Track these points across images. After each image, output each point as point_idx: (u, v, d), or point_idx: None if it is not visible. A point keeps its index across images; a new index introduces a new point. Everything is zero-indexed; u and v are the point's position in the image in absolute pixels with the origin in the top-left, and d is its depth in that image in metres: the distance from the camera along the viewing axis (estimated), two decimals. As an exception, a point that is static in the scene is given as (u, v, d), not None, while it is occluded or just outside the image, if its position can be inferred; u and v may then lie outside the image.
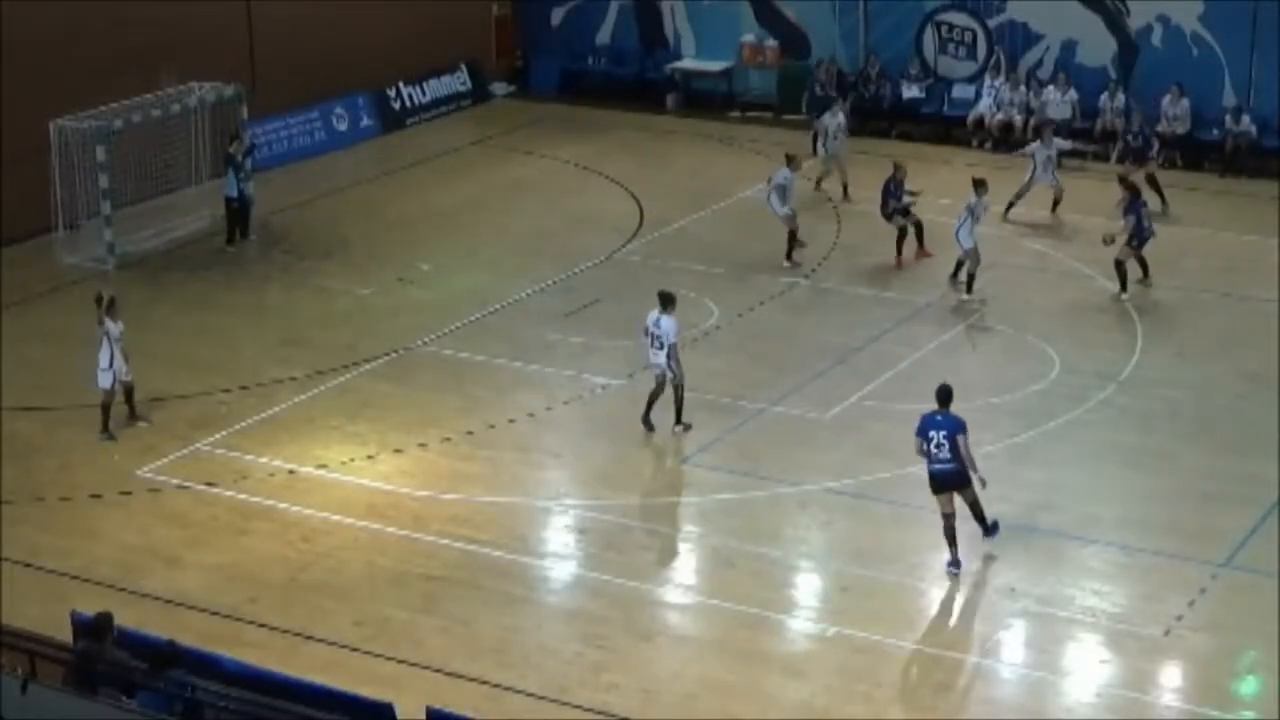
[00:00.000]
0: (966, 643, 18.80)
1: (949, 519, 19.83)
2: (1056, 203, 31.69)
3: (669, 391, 23.19)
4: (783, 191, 29.21)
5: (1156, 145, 32.72)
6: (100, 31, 31.79)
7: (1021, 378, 24.89)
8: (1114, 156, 33.78)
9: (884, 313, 27.38)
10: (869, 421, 23.74)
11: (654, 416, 23.30)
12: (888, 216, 29.49)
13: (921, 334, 26.61)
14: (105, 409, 23.57)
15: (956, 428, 19.65)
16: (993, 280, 28.63)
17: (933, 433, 19.69)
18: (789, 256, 29.18)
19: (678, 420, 23.34)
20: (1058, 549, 20.59)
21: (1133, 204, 28.00)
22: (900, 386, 24.73)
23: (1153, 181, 31.68)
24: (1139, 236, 27.78)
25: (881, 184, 29.52)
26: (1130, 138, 33.10)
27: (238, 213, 30.90)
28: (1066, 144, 32.32)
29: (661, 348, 22.93)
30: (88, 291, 28.81)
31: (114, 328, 23.52)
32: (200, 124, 31.98)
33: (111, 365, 23.46)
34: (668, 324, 22.94)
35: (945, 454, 19.64)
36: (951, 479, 19.74)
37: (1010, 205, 31.22)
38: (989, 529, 20.19)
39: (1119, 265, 27.73)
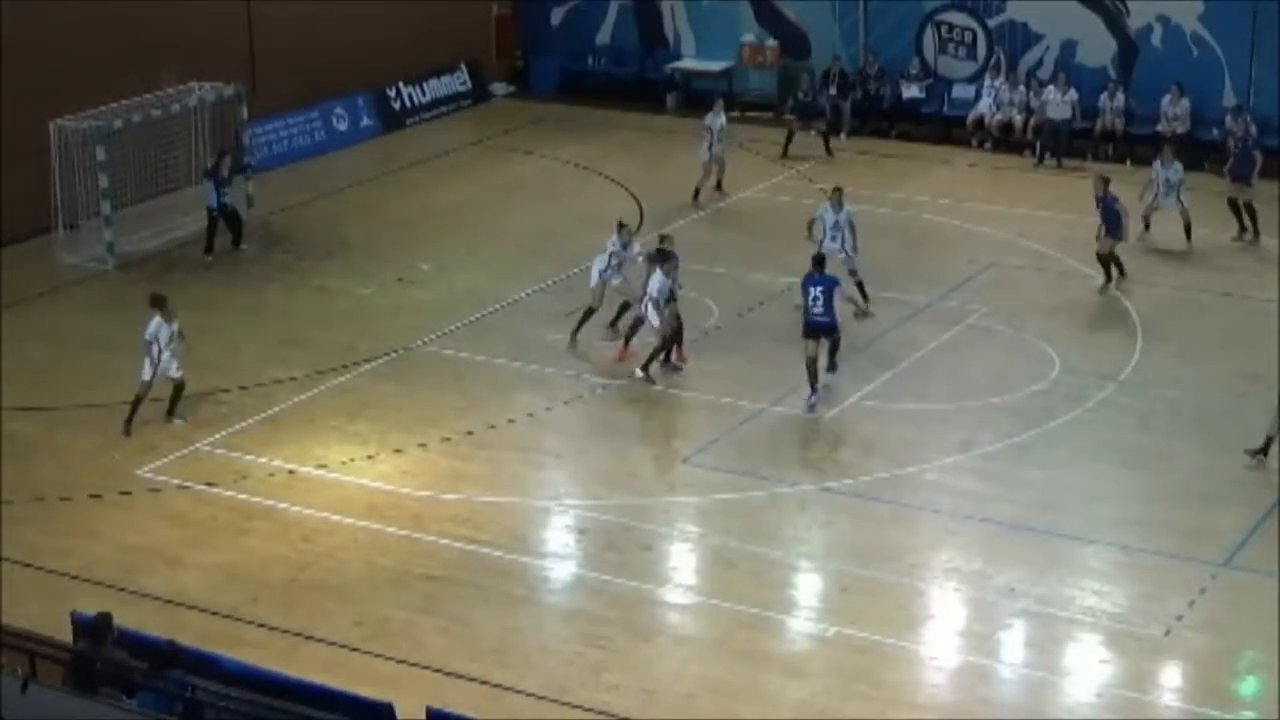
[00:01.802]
0: (966, 643, 18.79)
1: (813, 362, 23.79)
2: (1188, 229, 30.07)
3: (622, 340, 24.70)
4: (618, 267, 26.33)
5: (1259, 160, 30.84)
6: (100, 31, 31.80)
7: (1021, 378, 24.89)
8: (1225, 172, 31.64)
9: (883, 313, 27.36)
10: (869, 421, 23.75)
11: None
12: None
13: (921, 334, 26.61)
14: (137, 402, 23.57)
15: (832, 285, 24.07)
16: (993, 281, 28.64)
17: (812, 289, 23.88)
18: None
19: (644, 367, 24.73)
20: (1057, 549, 20.59)
21: (1104, 198, 27.92)
22: (900, 386, 24.74)
23: (1249, 209, 30.37)
24: (1113, 230, 27.84)
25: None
26: (1235, 145, 31.45)
27: (227, 222, 30.63)
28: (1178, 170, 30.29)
29: (649, 298, 24.67)
30: (88, 292, 28.98)
31: (166, 328, 23.50)
32: (200, 124, 31.98)
33: (158, 363, 23.45)
34: (656, 280, 24.55)
35: (820, 307, 23.79)
36: (824, 328, 23.93)
37: (1146, 226, 30.27)
38: (834, 366, 24.13)
39: (1101, 259, 27.81)
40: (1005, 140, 35.75)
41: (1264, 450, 21.92)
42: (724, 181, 33.20)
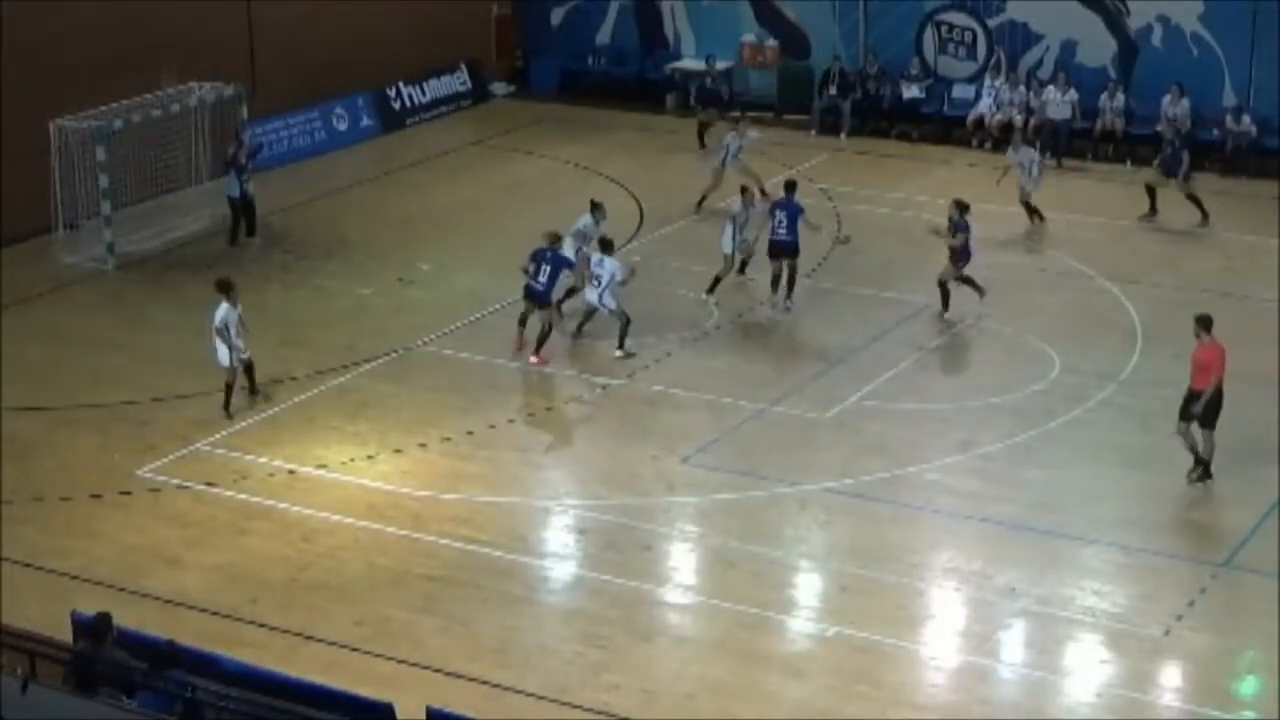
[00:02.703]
0: (966, 643, 18.79)
1: (778, 277, 27.13)
2: (1035, 212, 31.20)
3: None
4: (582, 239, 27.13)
5: (1187, 160, 31.59)
6: (100, 32, 31.78)
7: (1022, 378, 24.89)
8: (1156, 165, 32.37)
9: (884, 313, 27.38)
10: (869, 421, 23.75)
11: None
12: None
13: (921, 334, 26.62)
14: (229, 388, 23.83)
15: (797, 211, 27.17)
16: (993, 280, 28.61)
17: (779, 213, 27.05)
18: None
19: (620, 345, 25.73)
20: (1057, 549, 20.60)
21: (961, 222, 26.90)
22: (900, 386, 24.74)
23: (1192, 199, 31.12)
24: (964, 256, 26.82)
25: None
26: (1166, 145, 31.98)
27: (243, 211, 30.87)
28: None
29: (599, 286, 25.79)
30: (88, 292, 28.98)
31: (234, 312, 23.72)
32: (200, 124, 31.98)
33: (233, 347, 23.67)
34: (610, 264, 25.72)
35: (784, 229, 26.94)
36: (787, 248, 27.10)
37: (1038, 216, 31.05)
38: (789, 306, 26.80)
39: (941, 285, 26.89)
40: (1005, 140, 35.69)
41: (1205, 472, 21.61)
42: (708, 199, 32.35)
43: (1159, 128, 33.55)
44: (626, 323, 25.70)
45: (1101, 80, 35.79)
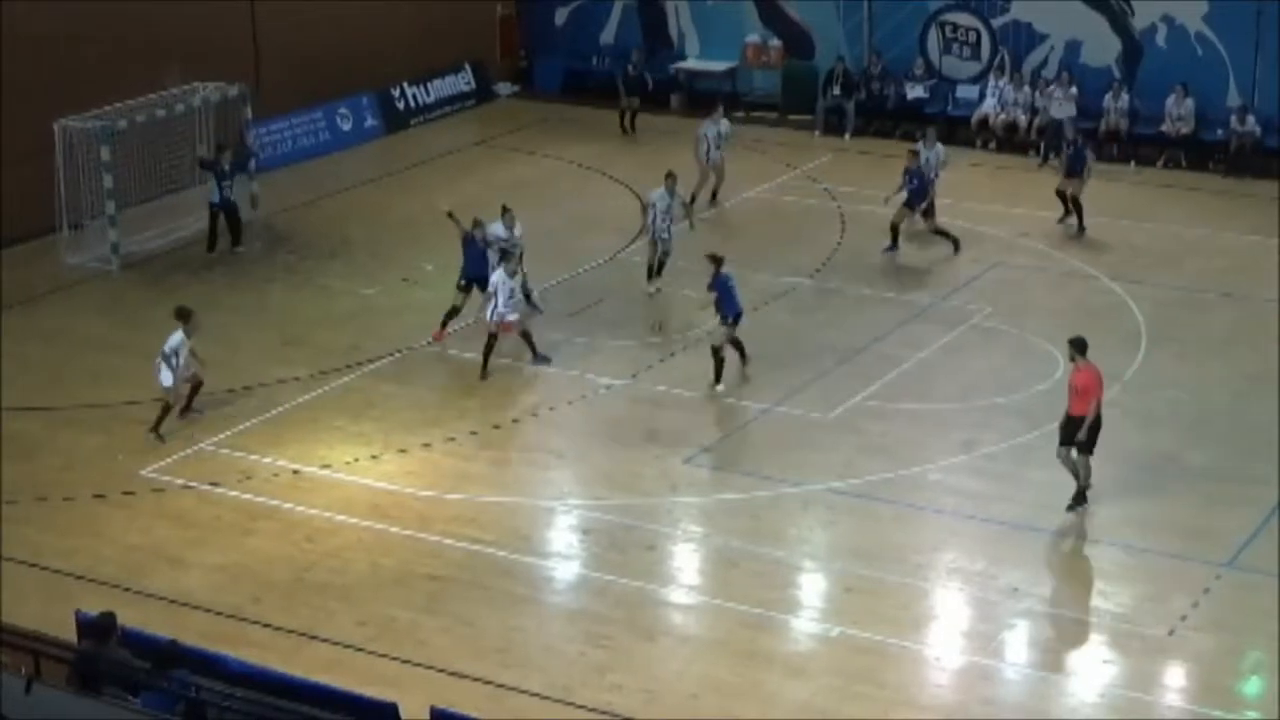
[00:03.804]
0: (970, 643, 18.79)
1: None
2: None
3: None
4: None
5: (1090, 160, 31.43)
6: (104, 31, 31.79)
7: (1025, 378, 24.89)
8: (1050, 166, 32.68)
9: (887, 313, 27.38)
10: (872, 422, 23.75)
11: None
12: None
13: (925, 334, 26.61)
14: (166, 409, 23.63)
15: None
16: (996, 280, 28.66)
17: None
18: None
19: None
20: (1061, 549, 20.63)
21: (717, 278, 25.04)
22: (904, 387, 24.74)
23: (1075, 202, 31.02)
24: (729, 311, 24.79)
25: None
26: (1067, 146, 31.85)
27: (228, 220, 30.66)
28: None
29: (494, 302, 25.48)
30: (92, 292, 29.00)
31: (187, 343, 23.57)
32: (204, 124, 31.98)
33: (176, 370, 23.54)
34: (502, 281, 25.16)
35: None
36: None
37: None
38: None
39: (715, 351, 24.86)
40: (1009, 140, 35.75)
41: (1081, 497, 21.14)
42: (720, 191, 32.72)
43: (1066, 134, 33.12)
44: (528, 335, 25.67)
45: (1106, 80, 35.76)
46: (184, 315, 23.80)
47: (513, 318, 25.25)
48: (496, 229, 26.71)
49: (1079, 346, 21.23)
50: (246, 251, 30.82)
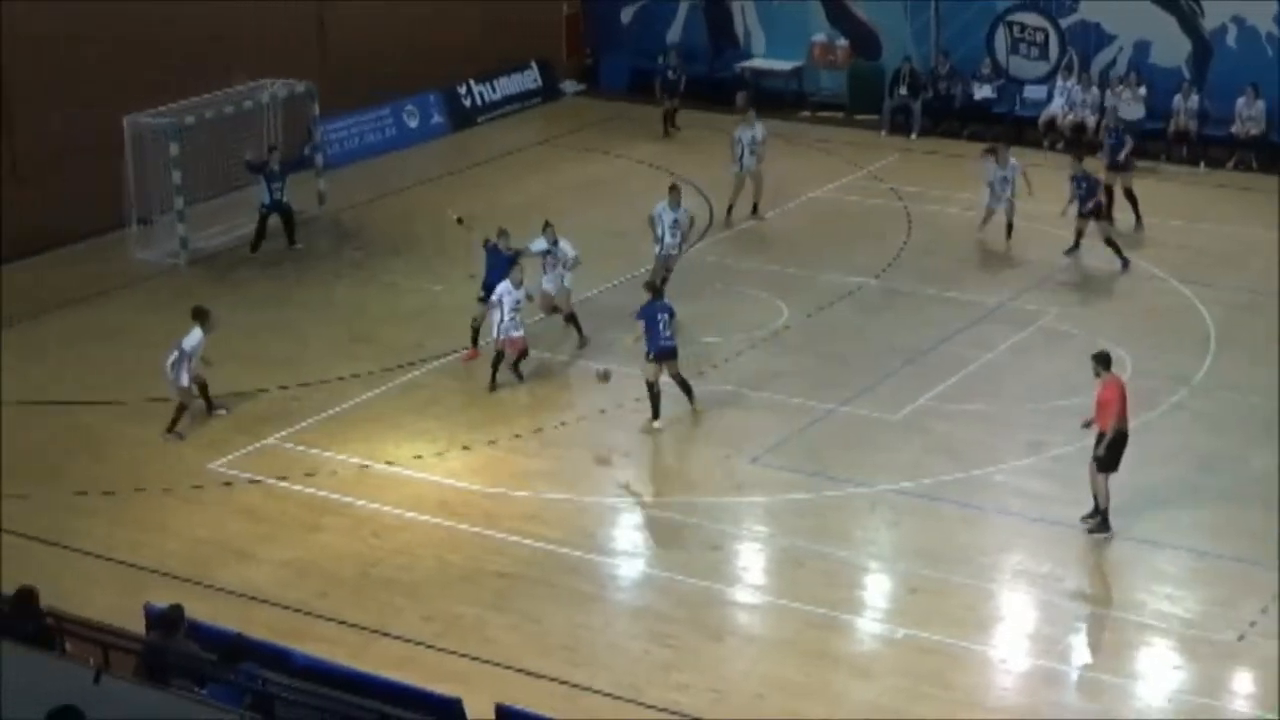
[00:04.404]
0: (1035, 646, 18.69)
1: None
2: (1009, 228, 30.23)
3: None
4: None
5: (1129, 147, 31.00)
6: (174, 29, 31.99)
7: (1092, 380, 24.63)
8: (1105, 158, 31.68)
9: (954, 314, 27.27)
10: (939, 422, 23.66)
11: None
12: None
13: (992, 335, 26.49)
14: (181, 409, 23.70)
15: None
16: (1064, 282, 28.51)
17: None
18: None
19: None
20: (1128, 552, 20.46)
21: (644, 308, 23.93)
22: (970, 388, 24.64)
23: (1128, 195, 30.69)
24: (655, 346, 23.59)
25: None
26: (1109, 135, 31.73)
27: (282, 220, 30.69)
28: None
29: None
30: (160, 287, 29.17)
31: (203, 340, 23.65)
32: (272, 121, 32.13)
33: (191, 370, 23.63)
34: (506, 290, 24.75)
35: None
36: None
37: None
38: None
39: (648, 386, 23.76)
40: (1077, 141, 35.52)
41: (1103, 522, 20.70)
42: (761, 203, 31.89)
43: (1107, 122, 33.29)
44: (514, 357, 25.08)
45: (1175, 81, 35.51)
46: (201, 315, 23.85)
47: (517, 334, 24.90)
48: (539, 244, 26.37)
49: (1103, 361, 20.83)
50: (304, 248, 30.87)
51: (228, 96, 31.55)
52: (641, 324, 23.70)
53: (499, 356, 24.92)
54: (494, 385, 24.90)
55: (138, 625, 16.88)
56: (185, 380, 23.55)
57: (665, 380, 23.69)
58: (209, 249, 30.78)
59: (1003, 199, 29.92)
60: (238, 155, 31.09)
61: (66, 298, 28.68)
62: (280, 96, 32.16)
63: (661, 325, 23.63)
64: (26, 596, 15.58)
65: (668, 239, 27.36)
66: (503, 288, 24.82)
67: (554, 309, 26.46)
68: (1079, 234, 29.30)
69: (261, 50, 33.25)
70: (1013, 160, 30.24)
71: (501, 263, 25.45)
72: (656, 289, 24.55)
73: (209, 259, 30.50)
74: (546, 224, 26.60)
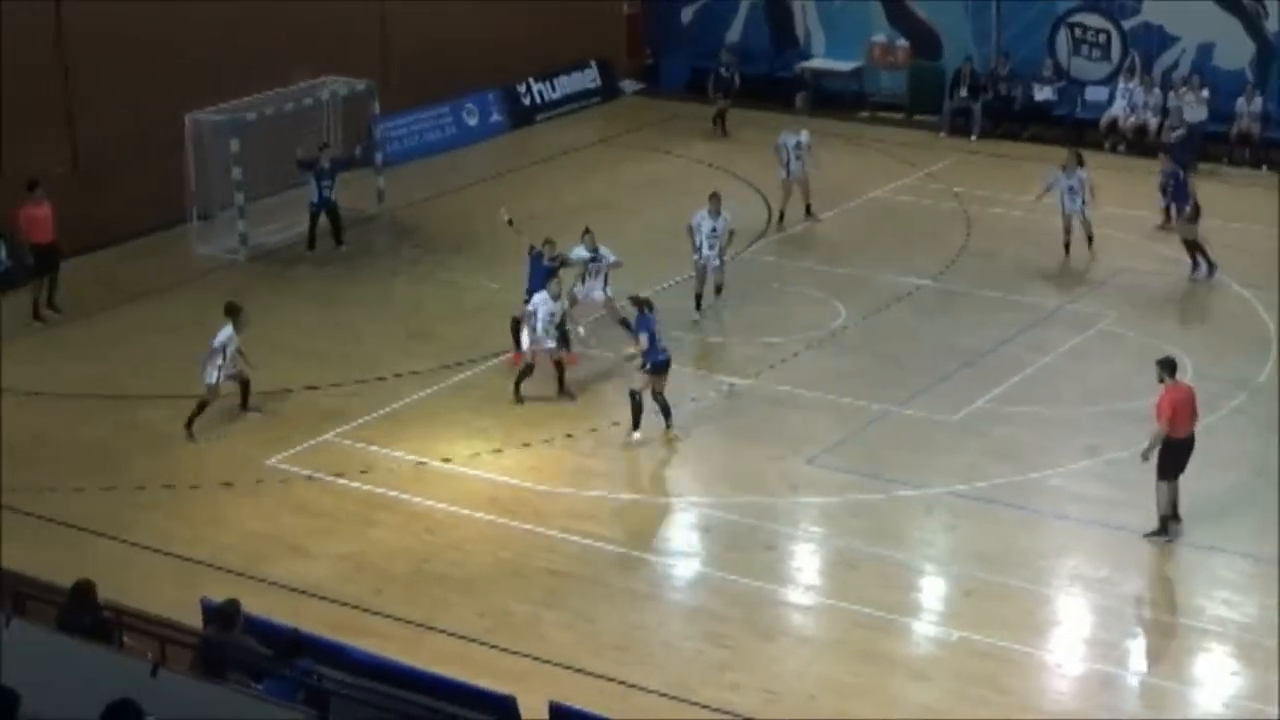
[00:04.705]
0: (1092, 650, 18.61)
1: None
2: (1090, 239, 29.58)
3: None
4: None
5: (1194, 194, 29.16)
6: (235, 27, 32.18)
7: (1151, 383, 24.39)
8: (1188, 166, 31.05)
9: (1012, 316, 27.16)
10: (996, 425, 23.58)
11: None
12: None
13: (1050, 338, 26.37)
14: (203, 405, 23.65)
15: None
16: (1123, 285, 28.35)
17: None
18: None
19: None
20: (1186, 557, 20.34)
21: (640, 321, 23.82)
22: (1028, 390, 24.54)
23: (1195, 247, 28.74)
24: (652, 359, 23.35)
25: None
26: (1168, 180, 30.03)
27: (330, 219, 30.69)
28: None
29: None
30: (220, 282, 29.32)
31: (236, 338, 23.68)
32: (332, 118, 32.27)
33: (222, 368, 23.64)
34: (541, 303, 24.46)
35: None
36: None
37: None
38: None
39: (631, 395, 23.53)
40: (1139, 143, 35.31)
41: (1164, 529, 20.54)
42: (813, 204, 31.76)
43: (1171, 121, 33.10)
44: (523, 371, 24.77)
45: (1239, 83, 35.26)
46: (233, 311, 23.87)
47: (549, 345, 24.68)
48: (580, 252, 26.17)
49: (1167, 368, 20.65)
50: (351, 249, 30.85)
51: (288, 94, 31.71)
52: (645, 337, 23.42)
53: (528, 368, 24.72)
54: (519, 398, 24.56)
55: (195, 619, 16.99)
56: (213, 378, 23.57)
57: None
58: (268, 245, 30.95)
59: (1076, 208, 29.35)
60: (297, 152, 31.22)
61: (129, 292, 28.90)
62: (340, 94, 32.30)
63: (658, 338, 23.52)
64: (85, 590, 15.67)
65: (705, 249, 27.21)
66: (539, 298, 24.64)
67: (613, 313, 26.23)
68: (1192, 248, 28.21)
69: (323, 48, 33.40)
70: (1080, 171, 29.44)
71: (541, 272, 25.25)
72: (645, 301, 23.95)
73: (268, 255, 30.67)
74: (586, 230, 26.43)
